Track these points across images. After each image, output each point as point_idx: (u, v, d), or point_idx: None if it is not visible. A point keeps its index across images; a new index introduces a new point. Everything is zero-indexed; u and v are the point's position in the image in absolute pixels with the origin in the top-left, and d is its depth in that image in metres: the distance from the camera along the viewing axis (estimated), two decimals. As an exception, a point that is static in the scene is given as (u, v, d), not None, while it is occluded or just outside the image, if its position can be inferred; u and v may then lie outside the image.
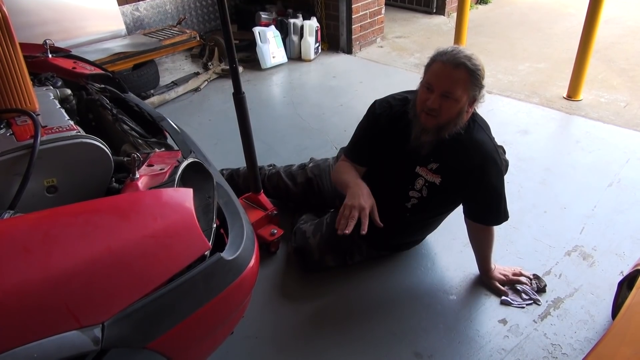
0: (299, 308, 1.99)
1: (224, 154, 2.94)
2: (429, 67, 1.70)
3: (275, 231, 2.22)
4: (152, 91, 3.68)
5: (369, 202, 1.69)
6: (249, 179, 2.26)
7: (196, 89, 3.91)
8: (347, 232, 1.60)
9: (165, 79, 4.03)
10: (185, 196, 1.18)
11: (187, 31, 3.99)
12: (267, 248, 2.23)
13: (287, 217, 2.37)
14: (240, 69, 1.98)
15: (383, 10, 4.78)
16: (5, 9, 1.27)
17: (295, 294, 2.06)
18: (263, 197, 2.29)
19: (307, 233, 2.12)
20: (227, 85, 3.97)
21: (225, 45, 1.87)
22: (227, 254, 1.23)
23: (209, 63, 4.18)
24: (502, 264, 2.09)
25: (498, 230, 1.96)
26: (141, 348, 1.09)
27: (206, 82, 4.00)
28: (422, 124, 1.72)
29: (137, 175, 1.23)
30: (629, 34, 4.90)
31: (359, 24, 4.55)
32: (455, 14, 4.72)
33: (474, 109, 1.76)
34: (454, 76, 1.62)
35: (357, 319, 1.93)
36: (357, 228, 2.05)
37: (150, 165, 1.31)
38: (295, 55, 4.49)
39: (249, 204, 2.28)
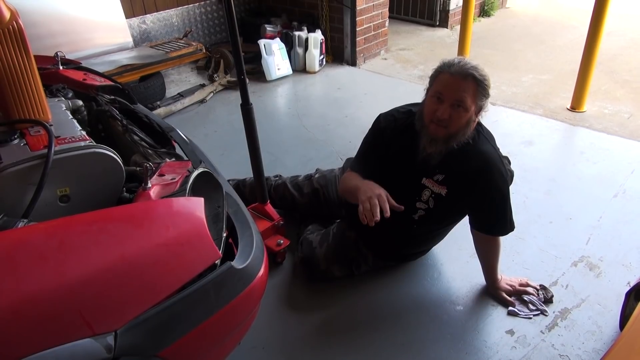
0: (305, 318, 1.99)
1: (230, 165, 2.95)
2: (435, 78, 1.72)
3: (282, 241, 2.23)
4: (158, 103, 3.72)
5: (383, 190, 1.70)
6: (256, 190, 2.27)
7: (202, 101, 3.94)
8: (376, 219, 1.61)
9: (171, 90, 4.06)
10: (196, 205, 1.19)
11: (193, 43, 4.03)
12: (274, 258, 2.23)
13: (293, 227, 2.38)
14: (247, 80, 2.01)
15: (387, 23, 4.82)
16: (21, 22, 1.29)
17: (301, 304, 2.07)
18: (269, 208, 2.30)
19: (313, 243, 2.12)
20: (233, 97, 4.01)
21: (234, 57, 1.90)
22: (237, 263, 1.24)
23: (215, 75, 4.22)
24: (508, 274, 2.09)
25: (504, 240, 1.96)
26: (153, 356, 1.09)
27: (212, 94, 4.03)
28: (431, 135, 1.73)
29: (149, 185, 1.24)
30: (631, 46, 4.93)
31: (363, 37, 4.59)
32: (458, 27, 4.77)
33: (479, 119, 1.78)
34: (463, 87, 1.64)
35: (363, 329, 1.93)
36: (362, 238, 2.07)
37: (161, 175, 1.33)
38: (300, 67, 4.53)
39: (255, 214, 2.29)
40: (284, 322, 1.98)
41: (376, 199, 1.65)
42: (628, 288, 1.79)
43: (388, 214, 1.64)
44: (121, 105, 1.85)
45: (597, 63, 3.47)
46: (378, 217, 1.62)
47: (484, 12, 6.13)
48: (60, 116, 1.50)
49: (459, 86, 1.64)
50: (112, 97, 1.89)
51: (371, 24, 4.62)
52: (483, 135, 1.83)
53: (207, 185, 1.41)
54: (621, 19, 5.64)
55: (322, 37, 4.45)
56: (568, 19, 5.86)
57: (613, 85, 4.04)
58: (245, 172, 2.38)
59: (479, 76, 1.64)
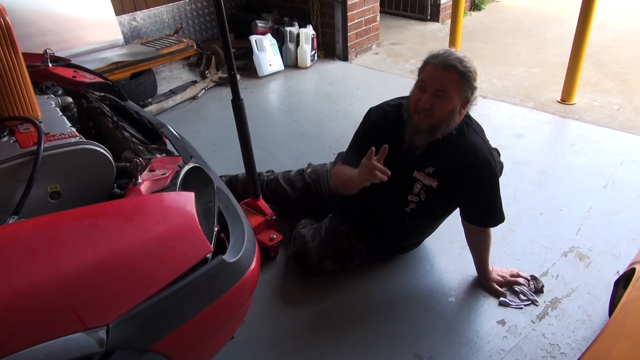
0: (299, 312, 2.00)
1: (222, 161, 2.96)
2: (422, 69, 1.74)
3: (275, 236, 2.24)
4: (149, 100, 3.70)
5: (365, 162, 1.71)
6: (248, 185, 2.28)
7: (194, 97, 3.93)
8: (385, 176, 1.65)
9: (162, 87, 4.05)
10: (187, 200, 1.20)
11: (184, 40, 4.02)
12: (267, 253, 2.24)
13: (286, 222, 2.39)
14: (238, 76, 2.01)
15: (378, 18, 4.82)
16: (8, 19, 1.29)
17: (295, 298, 2.08)
18: (262, 203, 2.31)
19: (306, 237, 2.13)
20: (225, 93, 4.00)
21: (224, 53, 1.90)
22: (228, 257, 1.25)
23: (206, 71, 4.21)
24: (499, 265, 2.11)
25: (495, 232, 1.98)
26: (145, 350, 1.10)
27: (203, 91, 4.02)
28: (415, 124, 1.75)
29: (140, 180, 1.25)
30: (620, 38, 4.96)
31: (355, 32, 4.60)
32: (449, 21, 4.77)
33: (467, 112, 1.79)
34: (446, 77, 1.66)
35: (357, 322, 1.95)
36: (354, 232, 2.09)
37: (152, 170, 1.34)
38: (291, 63, 4.53)
39: (248, 210, 2.29)
40: (278, 316, 1.99)
41: (370, 167, 1.66)
42: (617, 277, 1.82)
43: (388, 172, 1.66)
44: (111, 102, 1.85)
45: (586, 56, 3.49)
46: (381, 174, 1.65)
47: (474, 5, 6.14)
48: (50, 113, 1.50)
49: (441, 76, 1.66)
50: (102, 94, 1.89)
51: (362, 18, 4.62)
52: (472, 127, 1.84)
53: (198, 181, 1.42)
54: (610, 11, 5.67)
55: (314, 33, 4.45)
56: (558, 12, 5.88)
57: (602, 78, 4.07)
58: (238, 168, 2.39)
59: (462, 67, 1.65)
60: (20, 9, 3.24)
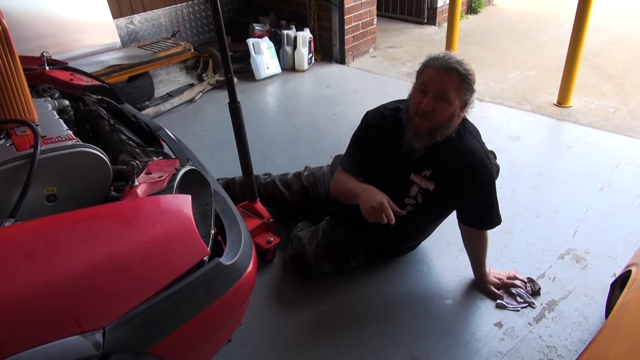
0: (296, 315, 2.00)
1: (219, 164, 2.96)
2: (421, 72, 1.74)
3: (272, 239, 2.23)
4: (147, 103, 3.70)
5: (384, 197, 1.76)
6: (245, 188, 2.28)
7: (191, 100, 3.94)
8: (392, 222, 1.72)
9: (160, 90, 4.04)
10: (183, 202, 1.20)
11: (182, 43, 4.02)
12: (264, 256, 2.24)
13: (283, 225, 2.39)
14: (235, 79, 2.01)
15: (375, 21, 4.84)
16: (5, 22, 1.29)
17: (292, 301, 2.07)
18: (259, 206, 2.31)
19: (303, 240, 2.13)
20: (222, 96, 4.01)
21: (221, 55, 1.90)
22: (225, 259, 1.25)
23: (204, 74, 4.21)
24: (496, 268, 2.12)
25: (492, 234, 1.99)
26: (142, 353, 1.10)
27: (201, 94, 4.03)
28: (415, 127, 1.75)
29: (137, 183, 1.25)
30: (616, 42, 4.98)
31: (352, 35, 4.61)
32: (446, 24, 4.78)
33: (464, 114, 1.80)
34: (447, 80, 1.66)
35: (354, 324, 1.95)
36: (351, 234, 2.09)
37: (148, 173, 1.34)
38: (288, 66, 4.53)
39: (245, 213, 2.29)
40: (275, 319, 1.99)
41: (381, 210, 1.71)
42: (613, 279, 1.82)
43: (393, 221, 1.72)
44: (108, 105, 1.85)
45: (582, 59, 3.51)
46: (393, 220, 1.72)
47: (471, 9, 6.17)
48: (47, 116, 1.50)
49: (442, 79, 1.66)
50: (99, 97, 1.89)
51: (359, 22, 4.63)
52: (468, 130, 1.85)
53: (195, 183, 1.42)
54: (607, 14, 5.70)
55: (311, 36, 4.46)
56: (554, 15, 5.91)
57: (598, 81, 4.09)
58: (235, 171, 2.39)
59: (463, 70, 1.66)
60: (17, 12, 3.24)
